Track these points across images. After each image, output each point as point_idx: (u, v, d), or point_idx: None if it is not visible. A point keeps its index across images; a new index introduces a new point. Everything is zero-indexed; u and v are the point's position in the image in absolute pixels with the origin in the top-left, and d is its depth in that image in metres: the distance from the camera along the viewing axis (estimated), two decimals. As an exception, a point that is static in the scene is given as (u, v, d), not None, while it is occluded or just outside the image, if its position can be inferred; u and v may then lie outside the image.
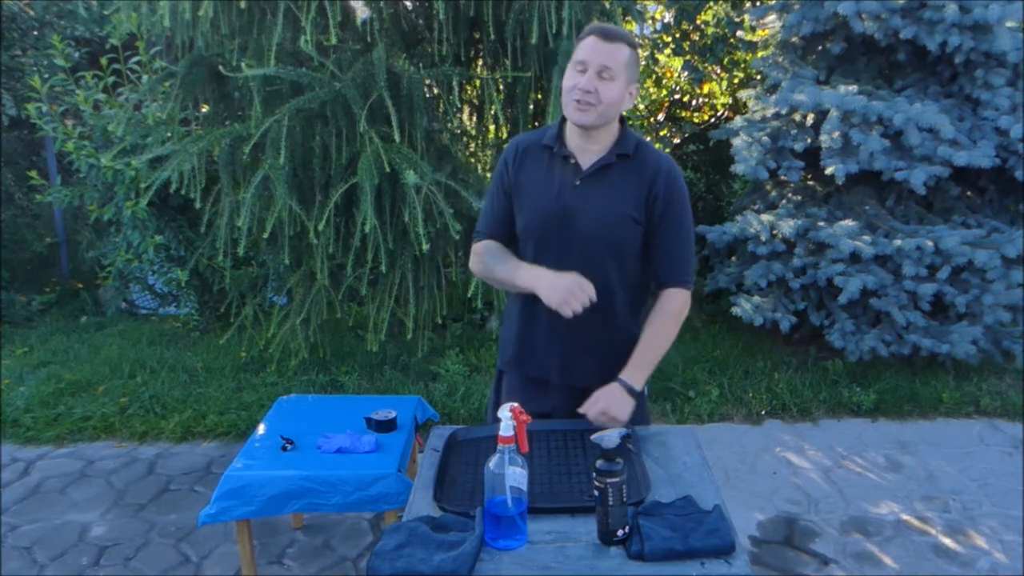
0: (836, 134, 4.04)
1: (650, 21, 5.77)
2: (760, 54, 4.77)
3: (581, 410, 1.86)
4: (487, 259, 1.98)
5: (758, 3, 5.28)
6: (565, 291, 1.75)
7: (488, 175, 4.16)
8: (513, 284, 1.92)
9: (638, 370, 1.88)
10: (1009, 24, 3.89)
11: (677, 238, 1.91)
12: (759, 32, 5.04)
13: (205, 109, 4.17)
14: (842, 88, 4.05)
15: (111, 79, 4.50)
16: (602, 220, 1.87)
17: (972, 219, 4.19)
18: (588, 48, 1.80)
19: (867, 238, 4.00)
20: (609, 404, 1.83)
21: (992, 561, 2.83)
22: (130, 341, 5.00)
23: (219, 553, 2.96)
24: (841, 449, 3.67)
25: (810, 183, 4.58)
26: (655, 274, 1.94)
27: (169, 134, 4.26)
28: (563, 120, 1.93)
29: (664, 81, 5.92)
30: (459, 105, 3.99)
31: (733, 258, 4.86)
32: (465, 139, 4.46)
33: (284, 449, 2.56)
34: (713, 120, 5.87)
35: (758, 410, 4.05)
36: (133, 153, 4.27)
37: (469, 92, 4.25)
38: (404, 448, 2.59)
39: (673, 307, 1.91)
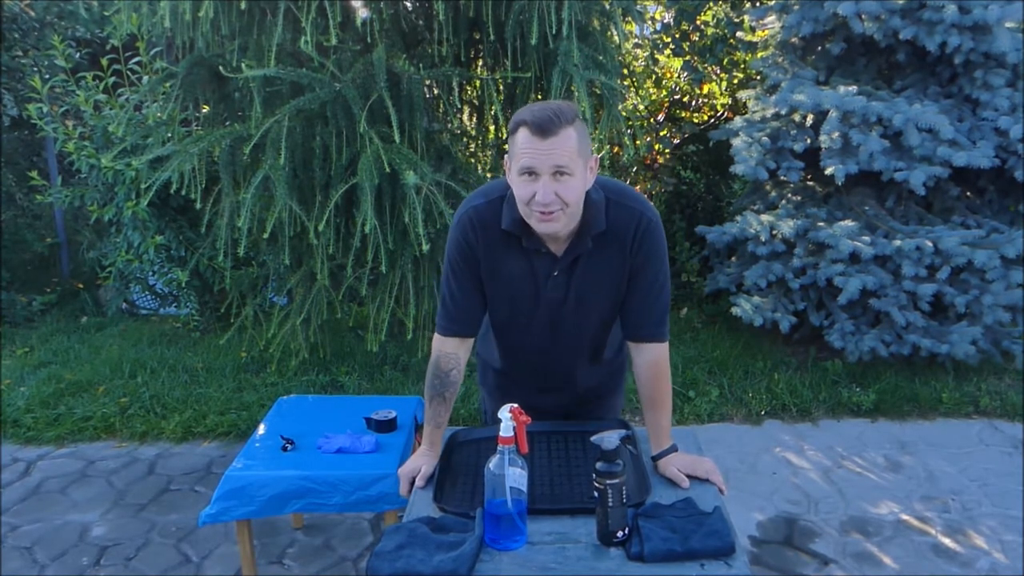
0: (836, 134, 4.04)
1: (650, 22, 5.77)
2: (760, 54, 4.77)
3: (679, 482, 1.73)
4: (427, 383, 1.82)
5: (758, 3, 5.28)
6: (404, 477, 1.77)
7: (488, 175, 4.16)
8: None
9: (667, 432, 1.79)
10: (1008, 24, 3.89)
11: (650, 291, 1.75)
12: (759, 33, 5.05)
13: (205, 110, 4.18)
14: (842, 88, 4.06)
15: (111, 80, 4.51)
16: (589, 307, 1.78)
17: (972, 219, 4.19)
18: (529, 151, 1.53)
19: (867, 238, 4.00)
20: (698, 468, 1.74)
21: (992, 561, 2.83)
22: (130, 341, 5.00)
23: (219, 553, 2.97)
24: (841, 449, 3.67)
25: (810, 183, 4.58)
26: (628, 327, 1.82)
27: (169, 134, 4.27)
28: None
29: (664, 81, 5.92)
30: (459, 106, 3.99)
31: (733, 258, 4.87)
32: (465, 139, 4.46)
33: (284, 449, 2.56)
34: (713, 120, 5.87)
35: (758, 410, 4.05)
36: (133, 153, 4.28)
37: (469, 93, 4.25)
38: (404, 448, 2.59)
39: (658, 370, 1.78)
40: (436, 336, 1.84)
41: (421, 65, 3.69)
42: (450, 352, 1.81)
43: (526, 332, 1.85)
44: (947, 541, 2.96)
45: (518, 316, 1.83)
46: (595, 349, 1.92)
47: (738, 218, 4.51)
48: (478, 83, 4.05)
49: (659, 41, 5.65)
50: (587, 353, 1.91)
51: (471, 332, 1.84)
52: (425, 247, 3.42)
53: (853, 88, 4.06)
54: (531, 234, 1.69)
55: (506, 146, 4.65)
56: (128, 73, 4.55)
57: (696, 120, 5.87)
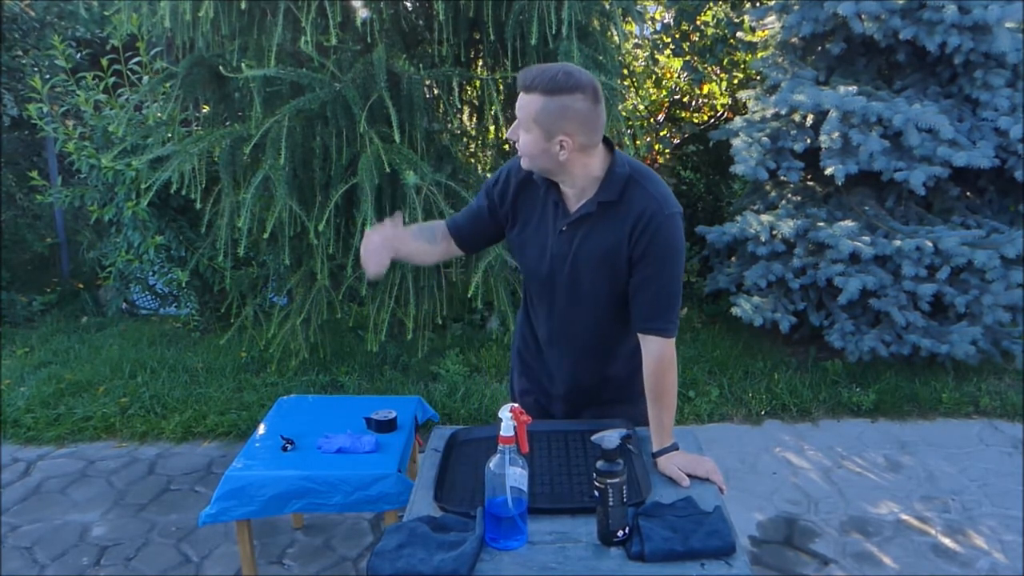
0: (836, 134, 4.04)
1: (650, 22, 5.77)
2: (760, 55, 4.78)
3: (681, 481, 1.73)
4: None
5: (758, 4, 5.29)
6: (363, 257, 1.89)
7: (488, 175, 4.16)
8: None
9: (668, 430, 1.80)
10: (1008, 25, 3.90)
11: (654, 283, 1.77)
12: (759, 33, 5.05)
13: (205, 110, 4.18)
14: (842, 89, 4.06)
15: (112, 80, 4.50)
16: (582, 269, 1.82)
17: (971, 219, 4.20)
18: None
19: (867, 238, 4.00)
20: (699, 467, 1.74)
21: (992, 561, 2.83)
22: (130, 341, 5.00)
23: (219, 553, 2.97)
24: (841, 449, 3.67)
25: (810, 183, 4.58)
26: (633, 316, 1.84)
27: (170, 135, 4.27)
28: None
29: (664, 81, 5.92)
30: (459, 106, 3.99)
31: (733, 258, 4.87)
32: (465, 140, 4.46)
33: (284, 449, 2.56)
34: (713, 120, 5.87)
35: (758, 410, 4.05)
36: (134, 154, 4.28)
37: (469, 93, 4.25)
38: (404, 448, 2.59)
39: (660, 365, 1.78)
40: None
41: (421, 65, 3.69)
42: (443, 228, 2.00)
43: (533, 277, 1.93)
44: (947, 541, 2.96)
45: (529, 264, 1.92)
46: (596, 335, 1.91)
47: (738, 218, 4.51)
48: (478, 83, 4.05)
49: (659, 41, 5.65)
50: (585, 334, 1.91)
51: (458, 238, 1.99)
52: (425, 247, 3.42)
53: (853, 88, 4.06)
54: (548, 184, 1.82)
55: (507, 146, 4.62)
56: (128, 73, 4.55)
57: (696, 120, 5.88)
